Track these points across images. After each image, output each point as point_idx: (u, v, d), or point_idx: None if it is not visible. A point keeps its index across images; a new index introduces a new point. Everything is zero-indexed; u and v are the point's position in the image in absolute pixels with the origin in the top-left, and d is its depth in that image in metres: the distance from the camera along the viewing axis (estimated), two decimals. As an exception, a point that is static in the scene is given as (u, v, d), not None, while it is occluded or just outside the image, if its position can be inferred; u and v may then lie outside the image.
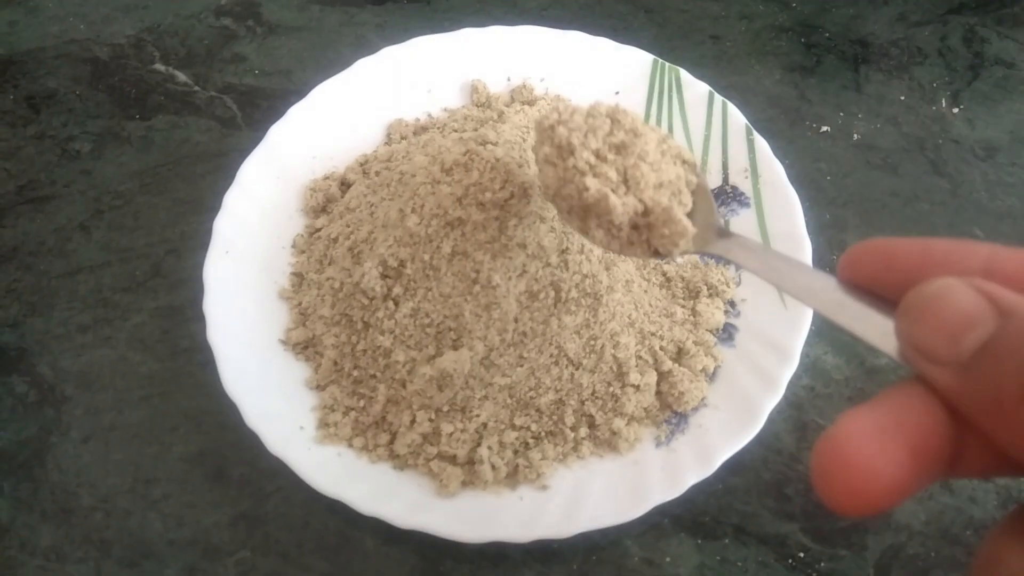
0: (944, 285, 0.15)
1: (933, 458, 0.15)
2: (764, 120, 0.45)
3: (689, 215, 0.27)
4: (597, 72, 0.45)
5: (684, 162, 0.28)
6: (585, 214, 0.28)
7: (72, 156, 0.46)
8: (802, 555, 0.34)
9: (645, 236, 0.27)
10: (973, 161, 0.45)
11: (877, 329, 0.17)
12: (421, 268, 0.34)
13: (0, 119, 0.48)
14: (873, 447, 0.14)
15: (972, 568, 0.15)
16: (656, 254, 0.27)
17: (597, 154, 0.27)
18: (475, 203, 0.33)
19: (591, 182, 0.26)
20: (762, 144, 0.41)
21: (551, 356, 0.35)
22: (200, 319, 0.37)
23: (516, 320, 0.34)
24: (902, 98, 0.47)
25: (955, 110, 0.46)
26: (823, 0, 0.51)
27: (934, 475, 0.15)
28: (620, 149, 0.27)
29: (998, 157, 0.45)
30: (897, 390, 0.15)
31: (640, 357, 0.36)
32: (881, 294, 0.18)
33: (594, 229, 0.27)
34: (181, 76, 0.49)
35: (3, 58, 0.51)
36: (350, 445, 0.35)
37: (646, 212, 0.26)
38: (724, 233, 0.26)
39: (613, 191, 0.26)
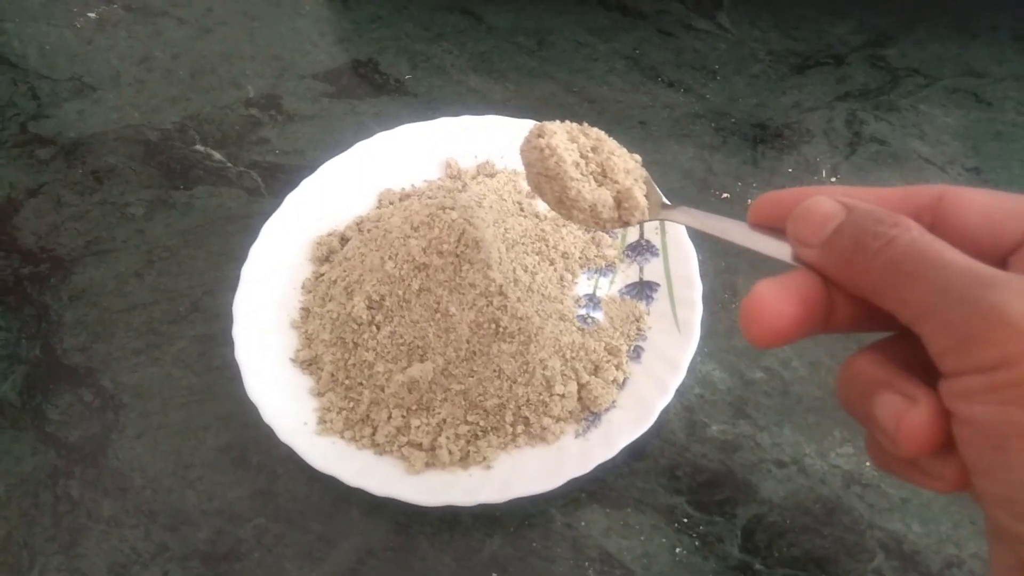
0: (815, 199, 0.24)
1: (814, 308, 0.23)
2: (677, 188, 0.56)
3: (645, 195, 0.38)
4: (544, 151, 0.57)
5: (635, 161, 0.39)
6: (571, 204, 0.37)
7: (129, 218, 0.59)
8: (686, 520, 0.44)
9: (618, 212, 0.37)
10: (844, 220, 0.56)
11: (773, 246, 0.26)
12: (396, 301, 0.45)
13: (71, 188, 0.60)
14: (777, 299, 0.23)
15: (837, 375, 0.24)
16: (624, 223, 0.37)
17: (582, 155, 0.38)
18: (436, 252, 0.44)
19: (572, 186, 0.36)
20: (670, 207, 0.53)
21: (494, 371, 0.45)
22: (229, 343, 0.48)
23: (467, 342, 0.45)
24: (790, 170, 0.58)
25: (832, 179, 0.58)
26: (732, 92, 0.63)
27: (816, 323, 0.24)
28: (595, 149, 0.38)
29: (866, 217, 0.56)
30: (791, 271, 0.24)
31: (564, 374, 0.47)
32: (775, 227, 0.27)
33: (576, 213, 0.37)
34: (216, 155, 0.62)
35: (73, 140, 0.64)
36: (342, 436, 0.45)
37: (618, 193, 0.37)
38: (667, 206, 0.37)
39: (589, 185, 0.37)
